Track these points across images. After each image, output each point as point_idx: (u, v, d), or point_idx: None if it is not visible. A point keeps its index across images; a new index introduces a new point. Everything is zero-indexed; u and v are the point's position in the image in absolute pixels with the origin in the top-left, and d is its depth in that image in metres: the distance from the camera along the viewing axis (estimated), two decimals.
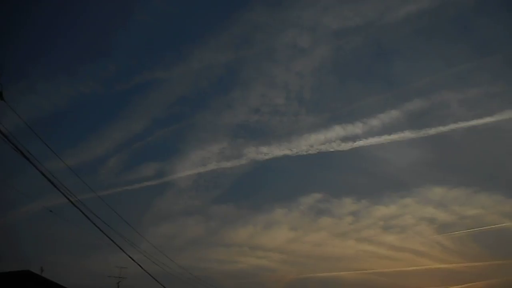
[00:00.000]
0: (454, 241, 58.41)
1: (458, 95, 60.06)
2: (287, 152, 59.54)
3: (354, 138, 58.84)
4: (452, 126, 56.48)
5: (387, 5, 59.85)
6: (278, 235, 62.39)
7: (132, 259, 23.95)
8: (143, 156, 69.05)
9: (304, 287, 59.06)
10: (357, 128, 59.59)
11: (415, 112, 59.80)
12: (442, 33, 65.04)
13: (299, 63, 67.84)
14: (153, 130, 68.09)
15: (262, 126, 66.31)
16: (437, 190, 60.98)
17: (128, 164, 64.21)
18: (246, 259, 59.90)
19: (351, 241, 61.91)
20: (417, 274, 57.98)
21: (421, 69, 69.66)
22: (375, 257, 60.09)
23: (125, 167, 65.60)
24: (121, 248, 22.47)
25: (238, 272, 58.81)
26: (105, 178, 59.37)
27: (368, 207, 62.60)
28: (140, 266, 25.02)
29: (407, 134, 57.57)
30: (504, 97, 60.75)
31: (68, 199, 18.59)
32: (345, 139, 58.74)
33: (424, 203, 61.37)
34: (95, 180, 55.00)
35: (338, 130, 59.89)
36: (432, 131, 56.72)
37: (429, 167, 66.18)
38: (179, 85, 67.76)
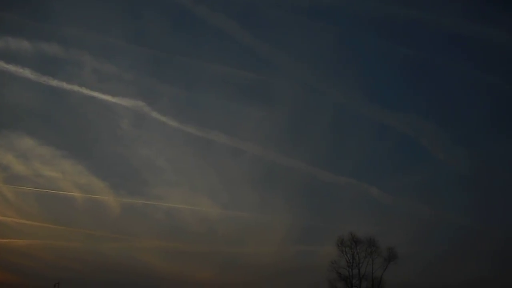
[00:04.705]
0: (17, 195, 54.42)
1: (97, 65, 57.05)
2: None
3: None
4: (77, 88, 53.72)
5: None
6: None
7: None
8: None
9: None
10: None
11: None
12: None
13: None
14: None
15: None
16: (27, 140, 57.16)
17: None
18: None
19: None
20: None
21: None
22: None
23: None
24: None
25: None
26: None
27: None
28: None
29: None
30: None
31: None
32: None
33: (6, 148, 55.80)
34: None
35: None
36: (55, 83, 52.15)
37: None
38: None
